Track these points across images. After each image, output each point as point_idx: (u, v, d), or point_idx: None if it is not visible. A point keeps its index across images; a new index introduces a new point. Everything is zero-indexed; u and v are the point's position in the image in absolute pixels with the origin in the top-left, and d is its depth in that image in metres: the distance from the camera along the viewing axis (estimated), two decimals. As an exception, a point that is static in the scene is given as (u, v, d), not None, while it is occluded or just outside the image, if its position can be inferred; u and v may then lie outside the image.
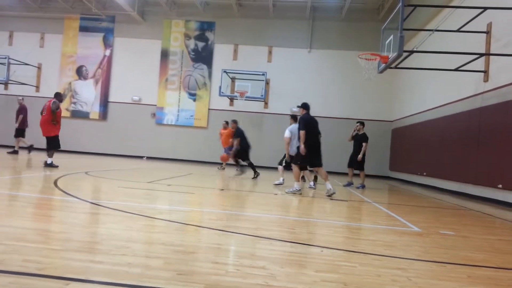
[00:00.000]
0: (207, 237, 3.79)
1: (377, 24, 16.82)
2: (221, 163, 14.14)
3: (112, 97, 18.22)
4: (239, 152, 11.17)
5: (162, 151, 17.73)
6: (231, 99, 17.42)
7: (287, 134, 9.27)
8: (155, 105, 17.96)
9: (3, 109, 18.20)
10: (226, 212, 5.46)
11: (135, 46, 18.20)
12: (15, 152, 13.36)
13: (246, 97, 16.31)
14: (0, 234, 3.24)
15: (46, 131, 9.71)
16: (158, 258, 2.87)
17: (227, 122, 13.44)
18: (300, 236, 4.04)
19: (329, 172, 16.25)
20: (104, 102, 18.16)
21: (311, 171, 9.38)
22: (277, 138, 16.99)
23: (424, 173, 12.85)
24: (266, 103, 17.40)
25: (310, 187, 9.38)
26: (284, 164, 9.78)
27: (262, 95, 16.54)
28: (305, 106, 8.30)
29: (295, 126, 9.13)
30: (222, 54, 17.79)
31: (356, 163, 10.76)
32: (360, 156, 10.58)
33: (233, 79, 17.18)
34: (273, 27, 17.59)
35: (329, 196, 7.80)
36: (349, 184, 10.90)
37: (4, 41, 18.72)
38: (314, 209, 6.27)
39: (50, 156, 9.61)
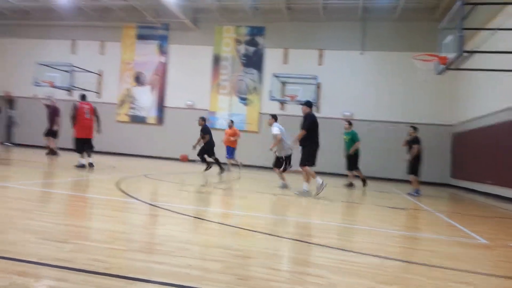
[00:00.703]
0: (263, 242, 3.78)
1: (433, 23, 16.10)
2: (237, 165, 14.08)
3: (167, 102, 18.85)
4: (206, 149, 11.50)
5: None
6: (282, 103, 17.41)
7: (277, 131, 8.84)
8: (208, 109, 18.34)
9: (67, 113, 19.37)
10: (279, 218, 5.44)
11: (188, 53, 18.72)
12: (54, 153, 13.70)
13: (297, 101, 16.20)
14: (69, 233, 3.42)
15: (91, 133, 10.02)
16: (216, 261, 2.90)
17: (232, 121, 13.90)
18: (357, 244, 3.93)
19: (386, 180, 15.79)
20: (160, 107, 18.82)
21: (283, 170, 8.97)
22: (329, 143, 16.72)
23: (490, 181, 12.06)
24: (317, 107, 17.21)
25: (284, 187, 8.90)
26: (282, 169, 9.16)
27: (313, 99, 16.37)
28: (309, 104, 8.15)
29: (277, 124, 9.02)
30: (272, 59, 17.86)
31: (411, 168, 10.27)
32: (410, 157, 10.07)
33: (283, 83, 17.17)
34: (323, 30, 17.39)
35: (297, 194, 7.67)
36: (416, 192, 10.25)
37: (67, 50, 19.97)
38: (370, 217, 6.08)
39: (90, 156, 9.87)
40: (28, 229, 3.42)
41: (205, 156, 11.68)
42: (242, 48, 18.07)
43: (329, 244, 3.82)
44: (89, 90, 18.97)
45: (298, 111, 16.81)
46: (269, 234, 4.05)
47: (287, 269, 2.91)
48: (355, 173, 11.26)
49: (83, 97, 10.40)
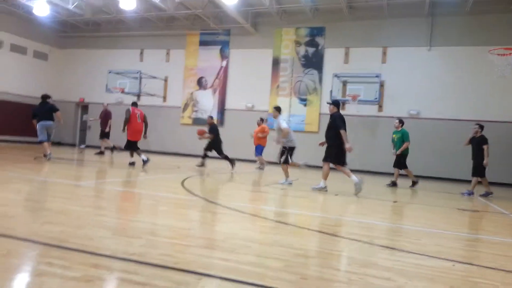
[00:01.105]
0: (325, 242, 3.74)
1: (509, 15, 15.00)
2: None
3: (228, 105, 19.27)
4: (214, 147, 11.81)
5: (273, 156, 18.10)
6: (343, 103, 17.08)
7: (286, 124, 8.92)
8: (267, 111, 18.48)
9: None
10: (341, 218, 5.33)
11: (248, 56, 19.00)
12: (102, 153, 14.81)
13: (359, 100, 15.82)
14: (139, 229, 3.62)
15: (139, 137, 10.69)
16: (278, 259, 2.91)
17: (261, 119, 14.02)
18: (426, 247, 3.74)
19: (453, 180, 14.88)
20: (221, 110, 19.29)
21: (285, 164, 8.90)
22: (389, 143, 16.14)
23: None
24: (380, 106, 16.65)
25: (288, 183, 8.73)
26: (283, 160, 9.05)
27: (376, 98, 15.88)
28: (337, 104, 8.17)
29: (282, 117, 9.19)
30: (332, 58, 17.58)
31: (479, 171, 9.57)
32: (485, 161, 9.39)
33: (344, 83, 16.84)
34: (387, 27, 16.79)
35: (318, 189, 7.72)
36: (487, 194, 9.61)
37: (136, 58, 21.13)
38: (440, 219, 5.76)
39: (140, 154, 10.47)
40: (102, 225, 3.66)
41: (208, 153, 12.06)
42: (302, 50, 17.99)
43: (394, 245, 3.68)
44: (155, 95, 19.98)
45: (360, 111, 16.50)
46: (330, 234, 3.99)
47: (351, 270, 2.85)
48: (403, 172, 10.83)
49: (135, 103, 11.13)
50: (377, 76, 15.78)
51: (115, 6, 17.61)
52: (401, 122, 10.90)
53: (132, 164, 10.39)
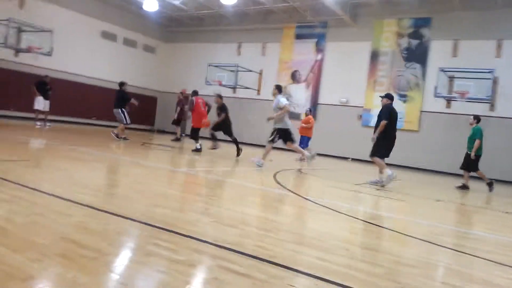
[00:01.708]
0: (429, 252, 3.47)
1: None
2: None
3: (321, 99, 18.98)
4: (224, 127, 11.17)
5: (367, 154, 17.42)
6: (448, 101, 15.76)
7: (285, 102, 8.87)
8: (362, 106, 17.82)
9: (231, 109, 21.26)
10: (446, 227, 4.92)
11: (345, 49, 18.47)
12: (178, 140, 15.32)
13: (468, 98, 14.45)
14: (236, 219, 3.71)
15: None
16: (378, 265, 2.76)
17: (310, 110, 13.98)
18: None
19: None
20: (314, 104, 19.07)
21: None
22: (504, 145, 14.51)
23: None
24: (492, 105, 15.04)
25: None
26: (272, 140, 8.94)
27: (488, 96, 14.36)
28: (389, 96, 8.19)
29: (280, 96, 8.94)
30: (438, 51, 16.28)
31: None
32: None
33: (451, 78, 15.49)
34: (503, 18, 15.02)
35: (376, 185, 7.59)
36: None
37: (233, 52, 21.80)
38: None
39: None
40: (201, 211, 3.83)
41: (215, 133, 11.44)
42: (404, 42, 16.95)
43: (506, 262, 3.28)
44: (250, 88, 20.45)
45: (468, 109, 15.07)
46: (432, 243, 3.69)
47: (460, 284, 2.59)
48: (476, 174, 9.69)
49: (195, 92, 11.86)
50: (489, 72, 14.24)
51: (217, 1, 18.30)
52: (476, 118, 9.79)
53: (198, 150, 10.82)
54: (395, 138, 8.07)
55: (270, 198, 5.42)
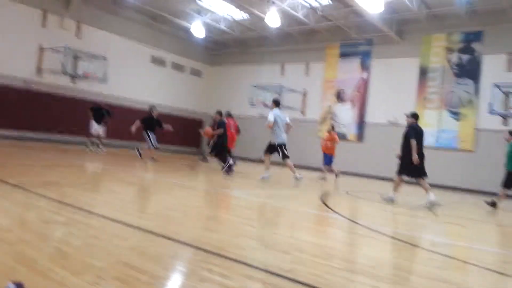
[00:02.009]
0: (497, 283, 3.19)
1: None
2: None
3: (368, 118, 18.57)
4: (219, 144, 10.85)
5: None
6: (505, 117, 14.89)
7: (271, 118, 9.07)
8: (411, 125, 17.25)
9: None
10: (507, 252, 4.54)
11: (391, 67, 18.07)
12: (205, 159, 15.52)
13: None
14: (288, 245, 3.62)
15: (233, 144, 11.72)
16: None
17: (332, 127, 13.87)
18: None
19: None
20: (360, 123, 18.69)
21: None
22: None
23: None
24: (553, 122, 14.05)
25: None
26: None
27: (548, 112, 13.44)
28: (414, 116, 8.36)
29: (277, 111, 9.26)
30: (492, 66, 15.50)
31: None
32: None
33: (507, 94, 14.67)
34: None
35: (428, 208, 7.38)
36: None
37: (277, 73, 21.96)
38: None
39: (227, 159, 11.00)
40: (253, 236, 3.78)
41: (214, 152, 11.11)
42: (454, 57, 16.33)
43: None
44: (294, 108, 20.43)
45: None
46: (498, 272, 3.40)
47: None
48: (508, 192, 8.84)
49: (229, 114, 12.25)
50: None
51: (261, 23, 18.62)
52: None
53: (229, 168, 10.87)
54: (423, 156, 8.01)
55: (319, 222, 5.28)
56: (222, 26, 19.73)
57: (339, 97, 19.46)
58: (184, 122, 22.30)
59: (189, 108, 22.99)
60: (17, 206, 3.99)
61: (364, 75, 18.71)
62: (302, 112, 20.74)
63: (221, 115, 11.54)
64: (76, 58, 17.02)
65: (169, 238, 3.24)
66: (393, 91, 17.83)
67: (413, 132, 7.94)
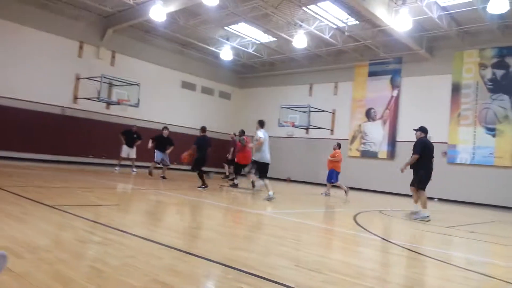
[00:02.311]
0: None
1: None
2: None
3: (400, 137, 18.22)
4: (198, 160, 10.79)
5: (455, 193, 16.17)
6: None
7: (261, 135, 9.62)
8: (446, 142, 16.76)
9: (304, 149, 21.21)
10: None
11: (422, 84, 17.78)
12: (227, 177, 16.09)
13: None
14: (320, 264, 3.57)
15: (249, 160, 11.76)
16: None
17: (338, 145, 14.03)
18: None
19: None
20: (392, 142, 18.34)
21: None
22: None
23: None
24: None
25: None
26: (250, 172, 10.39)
27: None
28: (423, 130, 8.47)
29: (263, 131, 9.82)
30: (529, 80, 15.01)
31: None
32: None
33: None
34: None
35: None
36: None
37: (305, 93, 22.02)
38: None
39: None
40: (283, 255, 3.74)
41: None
42: (488, 73, 15.91)
43: None
44: (323, 128, 20.34)
45: None
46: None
47: None
48: None
49: (243, 132, 13.15)
50: None
51: (288, 45, 18.84)
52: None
53: (235, 185, 11.90)
54: (432, 170, 8.30)
55: (353, 242, 5.17)
56: (250, 50, 20.10)
57: (369, 115, 19.25)
58: (214, 144, 22.55)
59: (218, 130, 23.30)
60: (55, 226, 4.14)
61: (395, 93, 18.48)
62: (331, 132, 20.62)
63: (203, 131, 11.51)
64: (110, 85, 17.71)
65: (201, 257, 3.26)
66: (425, 108, 17.49)
67: (419, 147, 8.15)
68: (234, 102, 24.80)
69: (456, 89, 16.63)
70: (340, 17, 15.55)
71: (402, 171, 8.33)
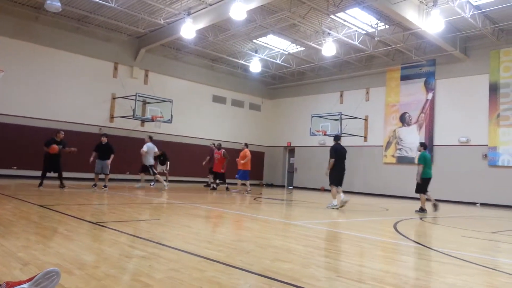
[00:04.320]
0: None
1: None
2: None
3: (436, 140, 17.70)
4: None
5: (498, 197, 15.47)
6: None
7: (144, 148, 13.33)
8: (486, 145, 16.13)
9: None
10: None
11: (458, 85, 17.27)
12: (208, 185, 16.40)
13: None
14: (362, 274, 3.50)
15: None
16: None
17: (246, 144, 15.32)
18: None
19: None
20: (429, 146, 17.84)
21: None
22: None
23: None
24: None
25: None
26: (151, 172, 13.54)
27: None
28: (336, 137, 10.41)
29: (150, 144, 13.49)
30: None
31: None
32: None
33: None
34: None
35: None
36: None
37: (336, 100, 21.84)
38: None
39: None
40: (325, 265, 3.69)
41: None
42: (528, 70, 15.27)
43: None
44: (356, 135, 20.05)
45: None
46: None
47: None
48: None
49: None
50: None
51: (317, 54, 18.81)
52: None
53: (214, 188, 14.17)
54: (344, 170, 10.21)
55: (395, 251, 5.04)
56: (279, 60, 20.20)
57: (404, 120, 18.83)
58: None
59: (250, 142, 23.43)
60: (100, 242, 4.27)
61: (430, 96, 18.03)
62: (365, 138, 20.30)
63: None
64: (144, 103, 18.23)
65: (242, 269, 3.27)
66: (462, 110, 16.97)
67: (333, 152, 10.03)
68: (264, 113, 24.93)
69: (494, 89, 16.05)
70: (369, 23, 15.41)
71: (326, 174, 10.07)
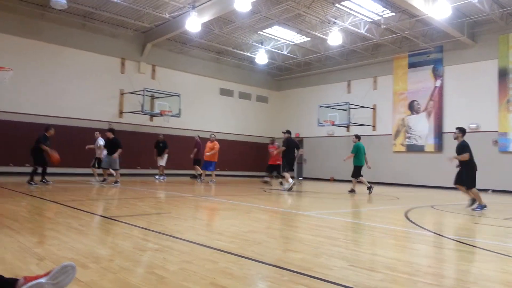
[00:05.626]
0: None
1: None
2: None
3: (446, 128, 17.54)
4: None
5: (510, 183, 15.34)
6: None
7: (101, 142, 13.23)
8: (496, 131, 15.95)
9: (346, 147, 20.87)
10: None
11: (466, 72, 17.04)
12: (195, 177, 16.62)
13: None
14: (374, 262, 3.51)
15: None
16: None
17: (213, 135, 15.77)
18: None
19: None
20: (439, 134, 17.68)
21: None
22: None
23: None
24: None
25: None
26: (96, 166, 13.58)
27: None
28: (287, 131, 12.04)
29: (101, 139, 13.40)
30: None
31: None
32: None
33: None
34: None
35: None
36: None
37: (343, 90, 21.70)
38: None
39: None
40: (337, 255, 3.71)
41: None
42: (537, 54, 15.02)
43: None
44: (364, 124, 19.94)
45: None
46: None
47: None
48: None
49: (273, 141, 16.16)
50: None
51: (323, 44, 18.68)
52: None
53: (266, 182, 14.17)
54: (294, 159, 12.10)
55: (407, 239, 5.04)
56: (285, 51, 20.11)
57: (413, 108, 18.68)
58: (254, 147, 22.75)
59: (257, 134, 23.47)
60: (114, 236, 4.33)
61: (438, 83, 17.85)
62: (373, 128, 20.19)
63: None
64: (152, 98, 18.30)
65: (254, 260, 3.31)
66: (471, 96, 16.78)
67: (284, 143, 11.88)
68: (271, 105, 24.88)
69: (503, 74, 15.84)
70: (375, 10, 15.25)
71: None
